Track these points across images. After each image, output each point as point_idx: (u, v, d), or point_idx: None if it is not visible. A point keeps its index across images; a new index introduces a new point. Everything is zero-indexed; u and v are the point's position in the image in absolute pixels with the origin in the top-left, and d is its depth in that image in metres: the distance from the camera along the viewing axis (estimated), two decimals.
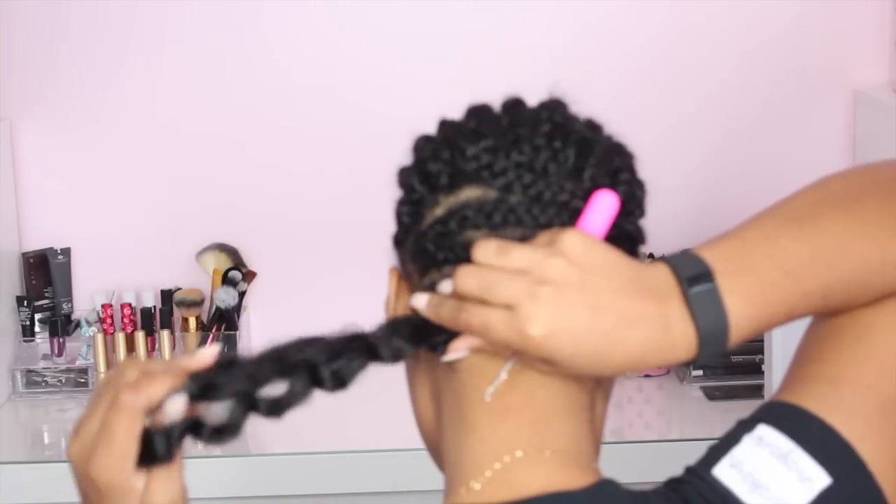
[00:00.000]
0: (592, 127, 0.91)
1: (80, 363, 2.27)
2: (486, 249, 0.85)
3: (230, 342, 2.25)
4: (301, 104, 2.31)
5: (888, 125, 2.11)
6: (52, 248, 2.34)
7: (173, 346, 2.27)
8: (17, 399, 2.25)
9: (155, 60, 2.31)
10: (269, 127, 2.32)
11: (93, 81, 2.31)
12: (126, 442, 0.84)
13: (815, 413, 0.87)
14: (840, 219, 0.88)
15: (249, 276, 2.30)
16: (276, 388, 0.85)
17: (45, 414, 2.22)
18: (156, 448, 0.84)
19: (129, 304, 2.28)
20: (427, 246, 0.88)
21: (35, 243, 2.34)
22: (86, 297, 2.34)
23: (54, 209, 2.35)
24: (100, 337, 2.26)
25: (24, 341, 2.29)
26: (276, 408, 0.84)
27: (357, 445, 2.02)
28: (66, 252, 2.34)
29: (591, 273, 0.83)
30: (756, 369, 2.14)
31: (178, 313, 2.29)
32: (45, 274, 2.33)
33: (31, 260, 2.32)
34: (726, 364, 2.18)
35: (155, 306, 2.30)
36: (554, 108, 0.90)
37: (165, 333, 2.27)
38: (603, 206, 0.86)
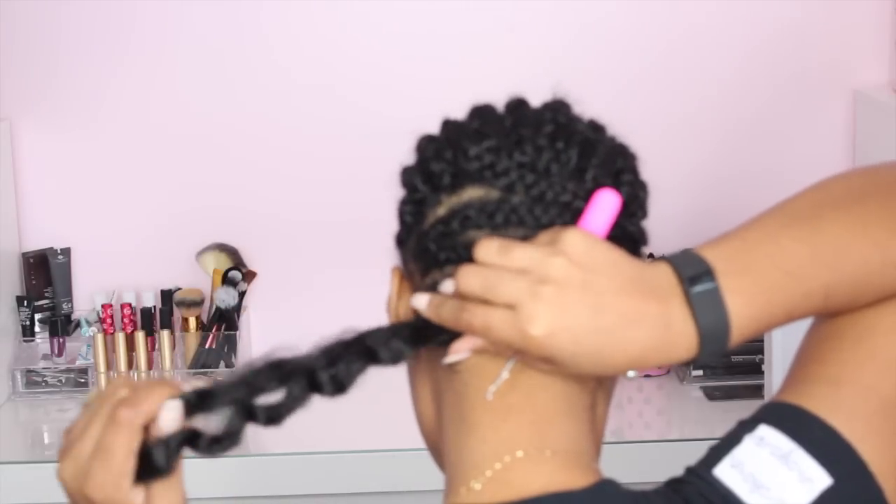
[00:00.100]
0: (595, 128, 0.91)
1: (80, 363, 2.27)
2: (488, 249, 0.85)
3: (230, 342, 2.25)
4: (301, 104, 2.31)
5: (888, 125, 2.11)
6: (52, 248, 2.34)
7: (173, 346, 2.27)
8: (17, 399, 2.25)
9: (155, 60, 2.31)
10: (269, 127, 2.32)
11: (93, 81, 2.31)
12: (124, 458, 0.83)
13: (816, 414, 0.87)
14: (841, 220, 0.88)
15: (249, 276, 2.30)
16: (273, 396, 0.84)
17: (45, 414, 2.22)
18: (154, 461, 0.83)
19: (129, 304, 2.28)
20: (429, 245, 0.88)
21: (35, 243, 2.34)
22: (86, 297, 2.34)
23: (54, 209, 2.35)
24: (100, 337, 2.25)
25: (24, 341, 2.29)
26: (274, 415, 0.84)
27: (357, 445, 2.02)
28: (66, 252, 2.34)
29: (593, 272, 0.83)
30: (756, 369, 2.14)
31: (178, 313, 2.29)
32: (45, 274, 2.33)
33: (31, 260, 2.32)
34: (726, 364, 2.18)
35: (155, 306, 2.30)
36: (557, 109, 0.90)
37: (165, 333, 2.26)
38: (604, 205, 0.86)
